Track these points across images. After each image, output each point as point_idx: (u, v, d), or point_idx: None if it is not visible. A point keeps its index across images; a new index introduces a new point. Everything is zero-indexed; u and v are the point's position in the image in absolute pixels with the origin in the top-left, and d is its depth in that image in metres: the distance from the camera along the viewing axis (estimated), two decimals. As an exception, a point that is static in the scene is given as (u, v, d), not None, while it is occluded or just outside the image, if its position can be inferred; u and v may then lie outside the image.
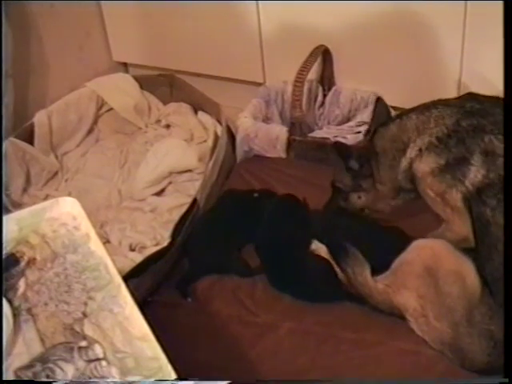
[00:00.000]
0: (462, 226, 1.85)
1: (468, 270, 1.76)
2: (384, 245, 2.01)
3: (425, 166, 1.86)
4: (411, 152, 1.88)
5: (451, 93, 2.37)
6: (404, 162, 1.91)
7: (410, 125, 1.89)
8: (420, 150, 1.86)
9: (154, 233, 2.38)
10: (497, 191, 1.74)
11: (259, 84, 2.82)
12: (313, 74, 2.60)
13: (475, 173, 1.77)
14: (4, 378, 1.18)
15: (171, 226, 2.20)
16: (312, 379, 1.81)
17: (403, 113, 1.95)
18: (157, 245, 2.27)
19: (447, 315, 1.75)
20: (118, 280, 1.33)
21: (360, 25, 2.51)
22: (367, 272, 1.89)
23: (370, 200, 2.06)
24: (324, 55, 2.60)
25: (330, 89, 2.72)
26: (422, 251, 1.83)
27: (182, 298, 2.05)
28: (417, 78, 2.20)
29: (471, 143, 1.78)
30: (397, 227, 2.08)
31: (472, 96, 1.88)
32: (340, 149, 2.05)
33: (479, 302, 1.73)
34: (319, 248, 2.04)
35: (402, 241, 1.94)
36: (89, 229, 1.45)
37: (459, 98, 1.92)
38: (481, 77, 2.28)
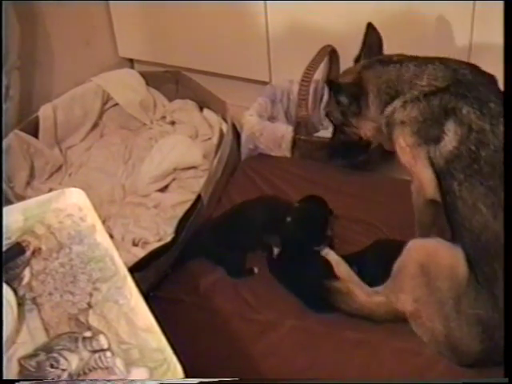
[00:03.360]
0: (426, 181, 1.86)
1: (458, 259, 1.76)
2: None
3: (404, 116, 1.89)
4: (398, 102, 1.90)
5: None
6: (389, 109, 1.93)
7: (406, 76, 1.91)
8: (405, 102, 1.89)
9: (157, 228, 2.38)
10: (465, 165, 1.76)
11: (265, 83, 2.82)
12: (319, 73, 2.59)
13: (446, 142, 1.80)
14: (6, 374, 1.18)
15: (175, 222, 2.20)
16: (312, 378, 1.81)
17: (404, 59, 1.96)
18: (160, 240, 2.27)
19: (438, 312, 1.77)
20: (124, 271, 1.34)
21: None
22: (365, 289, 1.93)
23: (366, 134, 2.07)
24: (331, 55, 2.60)
25: (336, 89, 2.72)
26: (415, 251, 1.83)
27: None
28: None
29: (450, 110, 1.81)
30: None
31: (469, 65, 1.90)
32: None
33: (466, 287, 1.74)
34: (328, 253, 2.05)
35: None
36: (95, 220, 1.45)
37: (459, 61, 1.92)
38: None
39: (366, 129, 2.04)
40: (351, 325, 1.91)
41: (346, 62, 2.58)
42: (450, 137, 1.79)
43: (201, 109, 2.93)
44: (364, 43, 2.10)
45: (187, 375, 1.16)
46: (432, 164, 1.83)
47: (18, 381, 1.16)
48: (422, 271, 1.79)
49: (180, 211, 2.28)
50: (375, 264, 1.99)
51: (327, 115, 2.18)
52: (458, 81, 1.84)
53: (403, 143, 1.90)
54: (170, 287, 2.10)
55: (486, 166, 1.74)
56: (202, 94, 2.91)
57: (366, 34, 2.09)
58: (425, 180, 1.86)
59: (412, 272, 1.81)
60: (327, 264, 2.02)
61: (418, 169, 1.88)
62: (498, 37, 1.67)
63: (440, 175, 1.82)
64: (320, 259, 2.03)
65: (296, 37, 2.69)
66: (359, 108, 1.99)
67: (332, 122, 2.14)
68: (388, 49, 2.45)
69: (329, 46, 2.55)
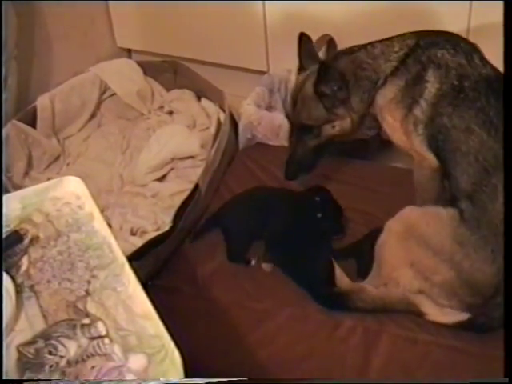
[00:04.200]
0: (425, 152, 1.90)
1: (439, 211, 1.82)
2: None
3: (388, 91, 1.92)
4: (380, 81, 1.93)
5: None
6: (372, 92, 1.96)
7: (377, 51, 1.93)
8: (386, 76, 1.92)
9: (155, 218, 2.38)
10: (451, 99, 1.83)
11: (263, 72, 2.82)
12: (317, 63, 2.58)
13: (430, 88, 1.85)
14: (5, 361, 1.18)
15: (172, 212, 2.20)
16: (312, 378, 1.81)
17: (365, 44, 1.98)
18: (158, 230, 2.28)
19: (441, 261, 1.79)
20: (122, 259, 1.34)
21: (365, 14, 2.51)
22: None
23: (344, 127, 2.02)
24: (329, 45, 2.59)
25: (333, 78, 2.72)
26: (392, 226, 1.88)
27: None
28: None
29: (426, 60, 1.86)
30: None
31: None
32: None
33: (458, 228, 1.78)
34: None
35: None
36: (93, 208, 1.46)
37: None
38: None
39: (347, 120, 2.00)
40: (348, 312, 1.91)
41: (344, 51, 2.59)
42: (432, 82, 1.84)
43: (199, 98, 2.93)
44: (300, 53, 2.10)
45: (185, 362, 1.16)
46: (420, 121, 1.87)
47: (17, 381, 1.17)
48: (405, 237, 1.84)
49: (178, 201, 2.28)
50: (371, 253, 1.99)
51: (301, 126, 2.05)
52: (426, 33, 1.91)
53: (391, 120, 1.93)
54: (168, 276, 2.10)
55: (471, 92, 1.80)
56: (199, 84, 2.91)
57: (300, 44, 2.09)
58: (423, 151, 1.90)
59: (396, 244, 1.86)
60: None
61: (413, 143, 1.91)
62: (495, 34, 1.66)
63: (430, 120, 1.86)
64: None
65: (294, 26, 2.65)
66: (347, 92, 1.96)
67: (310, 128, 2.03)
68: (385, 35, 2.47)
69: (327, 35, 2.55)
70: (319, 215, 2.11)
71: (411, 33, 1.94)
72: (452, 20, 2.35)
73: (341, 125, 2.01)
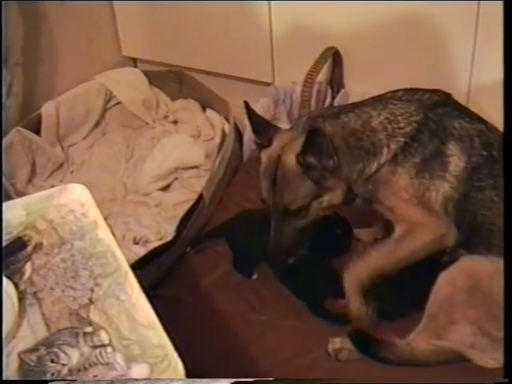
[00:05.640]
0: (439, 226, 1.78)
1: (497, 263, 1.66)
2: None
3: (400, 168, 1.76)
4: (386, 156, 1.76)
5: (462, 95, 2.36)
6: (373, 167, 1.77)
7: (376, 124, 1.77)
8: (395, 154, 1.76)
9: (158, 227, 2.38)
10: (488, 170, 1.73)
11: (268, 84, 2.82)
12: (322, 75, 2.59)
13: (456, 162, 1.74)
14: (6, 368, 1.17)
15: (176, 221, 2.20)
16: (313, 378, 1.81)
17: (349, 107, 1.83)
18: (161, 239, 2.28)
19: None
20: (126, 267, 1.33)
21: (371, 28, 2.51)
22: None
23: (334, 200, 1.80)
24: (334, 57, 2.60)
25: (338, 91, 2.71)
26: (456, 279, 1.75)
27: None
28: (427, 81, 2.18)
29: (443, 133, 1.75)
30: None
31: (422, 90, 1.84)
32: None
33: None
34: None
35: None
36: (97, 216, 1.45)
37: (408, 90, 1.85)
38: (491, 79, 2.27)
39: (337, 192, 1.79)
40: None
41: (349, 63, 2.60)
42: (457, 155, 1.74)
43: (203, 109, 2.94)
44: (252, 123, 1.87)
45: (188, 372, 1.15)
46: (449, 197, 1.75)
47: (18, 381, 1.16)
48: (470, 293, 1.72)
49: (181, 211, 2.28)
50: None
51: (288, 210, 1.79)
52: (430, 106, 1.79)
53: (407, 196, 1.76)
54: (171, 286, 2.10)
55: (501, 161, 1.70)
56: (204, 94, 2.92)
57: (249, 114, 1.86)
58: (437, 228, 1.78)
59: (459, 298, 1.73)
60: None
61: (430, 217, 1.78)
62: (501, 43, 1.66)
63: (464, 196, 1.75)
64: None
65: (300, 38, 2.68)
66: (339, 162, 1.74)
67: (297, 212, 1.79)
68: (392, 50, 2.47)
69: (332, 47, 2.55)
70: (339, 231, 2.08)
71: (404, 94, 1.82)
72: (458, 32, 2.35)
73: (330, 198, 1.79)
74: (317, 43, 2.54)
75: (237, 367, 1.83)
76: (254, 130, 1.87)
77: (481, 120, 1.80)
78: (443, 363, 1.77)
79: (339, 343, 1.84)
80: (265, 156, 1.82)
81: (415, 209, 1.78)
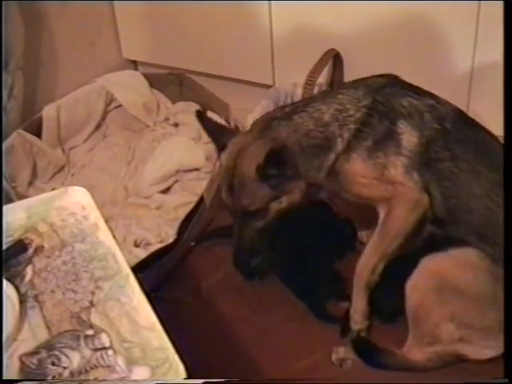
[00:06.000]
0: (410, 193, 1.78)
1: (466, 255, 1.74)
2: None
3: (354, 154, 1.77)
4: (340, 146, 1.77)
5: (463, 96, 2.38)
6: (331, 159, 1.78)
7: (328, 118, 1.78)
8: (349, 141, 1.77)
9: (159, 230, 2.37)
10: (442, 143, 1.76)
11: (269, 86, 2.81)
12: (323, 77, 2.58)
13: (408, 138, 1.75)
14: (7, 371, 1.18)
15: (176, 224, 2.21)
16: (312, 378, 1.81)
17: (298, 106, 1.83)
18: (161, 242, 2.27)
19: (487, 304, 1.71)
20: (127, 270, 1.34)
21: (372, 30, 2.51)
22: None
23: (293, 200, 1.80)
24: (335, 59, 2.59)
25: (339, 93, 2.71)
26: (420, 284, 1.77)
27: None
28: (429, 83, 2.19)
29: (392, 113, 1.77)
30: None
31: (368, 77, 1.87)
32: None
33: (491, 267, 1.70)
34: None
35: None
36: (98, 219, 1.46)
37: (358, 80, 1.89)
38: (491, 80, 2.27)
39: (295, 193, 1.80)
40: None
41: (350, 66, 2.60)
42: (408, 132, 1.76)
43: (204, 111, 2.92)
44: (206, 131, 1.93)
45: (189, 375, 1.15)
46: (408, 165, 1.76)
47: (18, 381, 1.16)
48: (437, 293, 1.74)
49: (182, 213, 2.28)
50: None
51: (245, 212, 1.80)
52: (377, 88, 1.81)
53: (366, 180, 1.78)
54: (172, 288, 2.09)
55: (456, 132, 1.76)
56: (205, 97, 2.91)
57: (201, 121, 1.92)
58: (417, 193, 1.78)
59: (429, 302, 1.75)
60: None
61: (401, 190, 1.78)
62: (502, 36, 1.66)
63: (424, 167, 1.76)
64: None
65: (300, 40, 2.68)
66: (295, 167, 1.75)
67: (253, 214, 1.80)
68: (393, 52, 2.47)
69: (333, 49, 2.54)
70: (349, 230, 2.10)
71: (352, 82, 1.88)
72: (458, 32, 2.35)
73: (289, 199, 1.80)
74: (317, 45, 2.53)
75: (238, 369, 1.83)
76: (209, 134, 1.92)
77: (431, 95, 1.82)
78: (442, 367, 1.78)
79: (343, 353, 1.85)
80: (223, 159, 1.84)
81: (378, 189, 1.79)
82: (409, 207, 1.78)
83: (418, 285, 1.77)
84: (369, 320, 1.88)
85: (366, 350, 1.84)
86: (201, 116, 1.91)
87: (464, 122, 1.82)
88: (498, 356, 1.70)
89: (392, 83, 1.84)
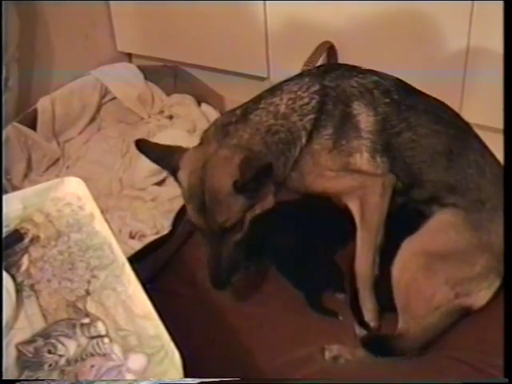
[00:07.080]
0: (378, 179, 1.79)
1: (439, 220, 1.80)
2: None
3: (316, 146, 1.74)
4: (302, 139, 1.73)
5: (456, 90, 2.39)
6: (296, 153, 1.74)
7: (285, 109, 1.73)
8: (311, 132, 1.73)
9: (154, 221, 2.38)
10: (396, 116, 1.78)
11: (263, 78, 2.82)
12: (317, 69, 2.59)
13: (365, 118, 1.76)
14: (4, 359, 1.18)
15: (171, 216, 2.21)
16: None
17: (253, 104, 1.77)
18: (157, 233, 2.28)
19: (474, 252, 1.76)
20: (122, 259, 1.35)
21: (366, 22, 2.51)
22: None
23: (266, 205, 1.73)
24: (329, 51, 2.60)
25: (333, 85, 2.72)
26: (408, 263, 1.80)
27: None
28: (422, 75, 2.20)
29: (344, 96, 1.76)
30: None
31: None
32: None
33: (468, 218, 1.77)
34: None
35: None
36: (93, 209, 1.46)
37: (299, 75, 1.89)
38: (485, 76, 2.29)
39: (269, 198, 1.73)
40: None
41: (344, 57, 2.60)
42: (364, 112, 1.76)
43: (199, 103, 2.93)
44: (149, 156, 1.81)
45: (185, 362, 1.16)
46: (372, 148, 1.77)
47: (18, 381, 1.17)
48: (427, 268, 1.78)
49: (177, 205, 2.28)
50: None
51: (223, 228, 1.70)
52: (321, 73, 1.82)
53: (333, 173, 1.76)
54: (167, 279, 2.10)
55: (404, 100, 1.80)
56: (200, 89, 2.92)
57: (143, 151, 1.81)
58: (381, 176, 1.80)
59: (422, 278, 1.78)
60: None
61: (367, 177, 1.79)
62: (497, 35, 1.67)
63: (386, 145, 1.78)
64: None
65: (294, 32, 2.69)
66: (271, 171, 1.67)
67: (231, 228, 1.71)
68: (387, 44, 2.48)
69: (327, 41, 2.55)
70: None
71: (298, 76, 1.84)
72: (452, 26, 2.36)
73: (262, 205, 1.72)
74: (312, 37, 2.54)
75: (233, 359, 1.84)
76: (156, 161, 1.82)
77: (372, 72, 1.84)
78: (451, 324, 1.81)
79: (336, 351, 1.86)
80: (184, 180, 1.73)
81: (346, 180, 1.78)
82: (380, 192, 1.80)
83: (406, 267, 1.80)
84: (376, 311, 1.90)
85: (377, 344, 1.85)
86: (141, 145, 1.80)
87: (406, 89, 1.84)
88: (493, 295, 1.79)
89: (333, 67, 1.88)
